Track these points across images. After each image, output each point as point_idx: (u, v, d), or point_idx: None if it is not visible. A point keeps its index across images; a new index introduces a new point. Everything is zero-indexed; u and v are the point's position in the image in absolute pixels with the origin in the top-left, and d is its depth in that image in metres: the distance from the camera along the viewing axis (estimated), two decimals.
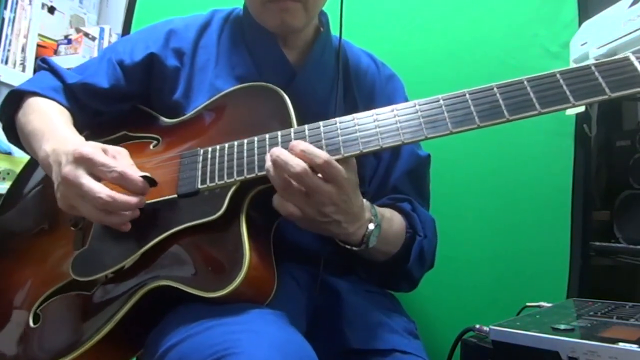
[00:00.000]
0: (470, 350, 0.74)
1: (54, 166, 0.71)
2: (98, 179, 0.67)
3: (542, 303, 0.88)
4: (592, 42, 1.12)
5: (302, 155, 0.64)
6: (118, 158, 0.70)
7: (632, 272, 1.23)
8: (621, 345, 0.56)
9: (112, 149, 0.71)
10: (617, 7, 1.08)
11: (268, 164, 0.66)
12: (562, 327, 0.64)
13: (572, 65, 1.19)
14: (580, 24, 1.23)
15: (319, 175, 0.65)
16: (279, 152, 0.65)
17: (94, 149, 0.67)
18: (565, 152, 1.22)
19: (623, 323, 0.68)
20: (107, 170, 0.66)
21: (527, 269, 1.19)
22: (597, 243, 1.21)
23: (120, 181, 0.67)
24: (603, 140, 1.33)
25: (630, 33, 1.00)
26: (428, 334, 0.90)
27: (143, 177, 0.68)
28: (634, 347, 0.55)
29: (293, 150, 0.65)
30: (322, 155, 0.64)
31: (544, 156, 1.22)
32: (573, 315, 0.77)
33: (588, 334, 0.61)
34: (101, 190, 0.65)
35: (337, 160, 0.65)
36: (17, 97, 0.86)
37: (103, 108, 0.88)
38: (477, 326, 0.74)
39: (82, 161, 0.66)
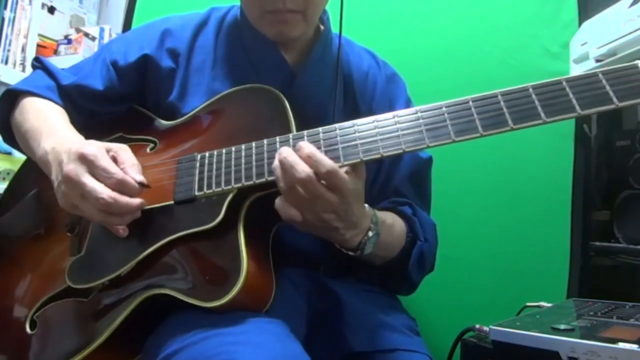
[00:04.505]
0: (470, 350, 0.74)
1: (54, 165, 0.70)
2: (98, 180, 0.67)
3: (542, 303, 0.88)
4: (592, 42, 1.12)
5: (307, 160, 0.63)
6: (120, 155, 0.70)
7: (632, 272, 1.23)
8: (621, 345, 0.56)
9: (114, 146, 0.71)
10: (617, 7, 1.08)
11: (276, 163, 0.64)
12: (562, 327, 0.64)
13: (572, 65, 1.20)
14: (580, 24, 1.23)
15: (323, 182, 0.64)
16: (286, 153, 0.63)
17: (97, 150, 0.67)
18: (565, 152, 1.22)
19: (623, 323, 0.68)
20: (107, 175, 0.66)
21: (527, 269, 1.19)
22: (597, 243, 1.21)
23: (118, 187, 0.66)
24: (603, 140, 1.33)
25: (630, 33, 1.00)
26: (428, 334, 0.90)
27: (139, 183, 0.68)
28: (634, 347, 0.55)
29: (300, 152, 0.64)
30: (327, 164, 0.62)
31: (544, 156, 1.22)
32: (573, 315, 0.77)
33: (588, 334, 0.61)
34: (103, 191, 0.65)
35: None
36: (12, 96, 0.85)
37: (98, 109, 0.87)
38: (477, 326, 0.74)
39: (84, 161, 0.66)
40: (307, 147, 0.64)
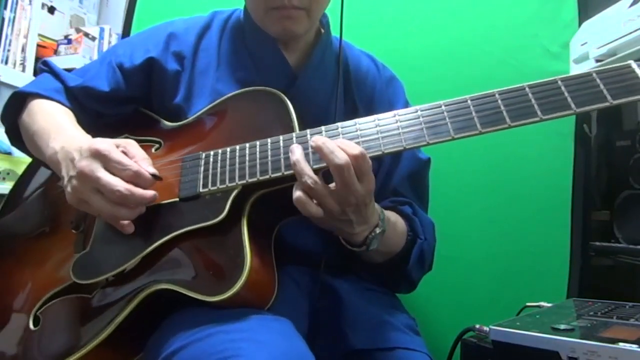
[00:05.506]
0: (470, 350, 0.74)
1: (64, 163, 0.71)
2: (112, 174, 0.68)
3: (542, 303, 0.88)
4: (592, 42, 1.12)
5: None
6: (130, 150, 0.71)
7: (632, 272, 1.23)
8: (621, 345, 0.56)
9: (122, 141, 0.72)
10: (617, 7, 1.08)
11: (294, 157, 0.66)
12: (562, 327, 0.64)
13: (572, 65, 1.20)
14: (580, 24, 1.23)
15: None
16: (324, 139, 0.65)
17: (109, 146, 0.68)
18: (565, 152, 1.22)
19: (623, 323, 0.68)
20: (122, 168, 0.67)
21: (527, 269, 1.19)
22: (597, 243, 1.21)
23: (134, 179, 0.68)
24: (603, 140, 1.33)
25: (630, 33, 1.00)
26: (428, 333, 0.90)
27: (152, 175, 0.69)
28: (634, 347, 0.55)
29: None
30: (358, 147, 0.64)
31: (544, 156, 1.22)
32: (573, 315, 0.77)
33: (588, 334, 0.61)
34: (119, 183, 0.66)
35: None
36: (20, 99, 0.86)
37: (104, 111, 0.88)
38: (477, 326, 0.74)
39: (98, 156, 0.67)
40: (336, 140, 0.66)
